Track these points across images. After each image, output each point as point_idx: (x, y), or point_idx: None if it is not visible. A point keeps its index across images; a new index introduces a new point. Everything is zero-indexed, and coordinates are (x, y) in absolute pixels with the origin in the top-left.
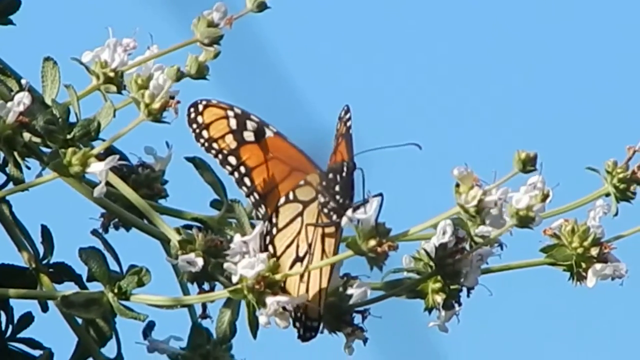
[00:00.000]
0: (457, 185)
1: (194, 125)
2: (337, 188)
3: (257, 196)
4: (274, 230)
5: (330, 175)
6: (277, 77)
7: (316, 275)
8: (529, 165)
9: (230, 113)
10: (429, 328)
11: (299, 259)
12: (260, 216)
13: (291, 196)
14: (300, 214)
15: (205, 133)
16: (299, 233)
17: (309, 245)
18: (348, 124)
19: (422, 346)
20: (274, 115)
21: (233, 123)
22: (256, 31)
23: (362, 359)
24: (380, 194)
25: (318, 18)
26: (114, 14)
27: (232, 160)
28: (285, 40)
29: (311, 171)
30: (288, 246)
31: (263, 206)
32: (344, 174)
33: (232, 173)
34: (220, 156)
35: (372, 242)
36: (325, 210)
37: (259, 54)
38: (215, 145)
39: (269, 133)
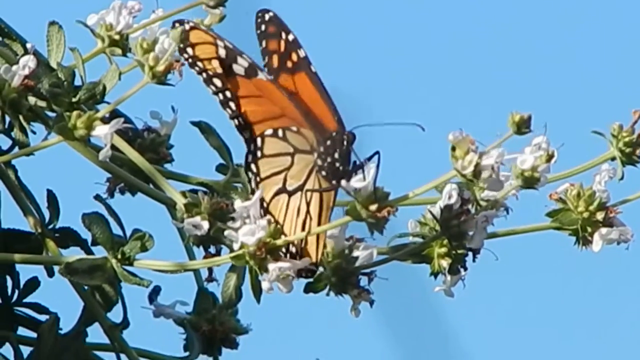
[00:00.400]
0: (454, 149)
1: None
2: (336, 155)
3: (242, 121)
4: (259, 154)
5: (329, 143)
6: None
7: (314, 224)
8: (523, 127)
9: (220, 43)
10: (434, 293)
11: (286, 192)
12: (244, 140)
13: (280, 133)
14: (292, 154)
15: (190, 50)
16: (288, 169)
17: (307, 204)
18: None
19: (426, 311)
20: None
21: (222, 52)
22: None
23: (367, 323)
24: (377, 152)
25: None
26: None
27: (217, 82)
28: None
29: (304, 126)
30: (274, 174)
31: (248, 132)
32: (343, 146)
33: (216, 93)
34: (204, 75)
35: (372, 208)
36: (323, 173)
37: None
38: (199, 63)
39: (261, 76)
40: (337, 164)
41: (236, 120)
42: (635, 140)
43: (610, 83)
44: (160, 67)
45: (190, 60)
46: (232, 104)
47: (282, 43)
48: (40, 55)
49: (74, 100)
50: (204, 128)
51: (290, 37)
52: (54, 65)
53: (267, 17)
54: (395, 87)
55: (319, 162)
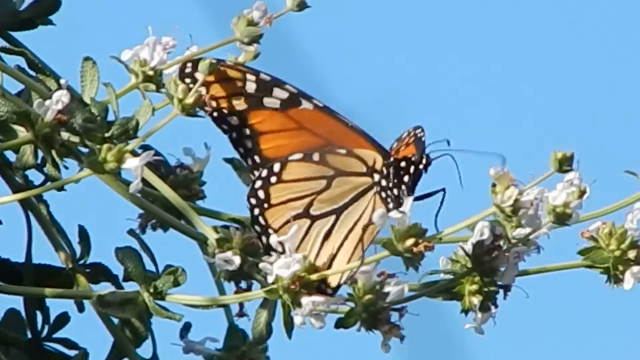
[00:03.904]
0: (494, 185)
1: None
2: (405, 179)
3: (257, 159)
4: (273, 179)
5: (403, 164)
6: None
7: (348, 252)
8: (565, 165)
9: (251, 77)
10: (464, 330)
11: (309, 216)
12: (251, 166)
13: (317, 157)
14: (330, 177)
15: (202, 90)
16: (319, 193)
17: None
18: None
19: (455, 348)
20: None
21: (251, 87)
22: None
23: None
24: (443, 189)
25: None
26: (153, 13)
27: (233, 120)
28: (308, 30)
29: (364, 147)
30: (292, 200)
31: (258, 157)
32: (420, 167)
33: (227, 132)
34: (215, 114)
35: (409, 242)
36: (384, 195)
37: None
38: (213, 102)
39: (306, 105)
40: (404, 187)
41: (250, 160)
42: None
43: None
44: (190, 100)
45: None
46: (247, 142)
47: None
48: (73, 91)
49: (106, 135)
50: (237, 165)
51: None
52: (87, 100)
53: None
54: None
55: (384, 183)
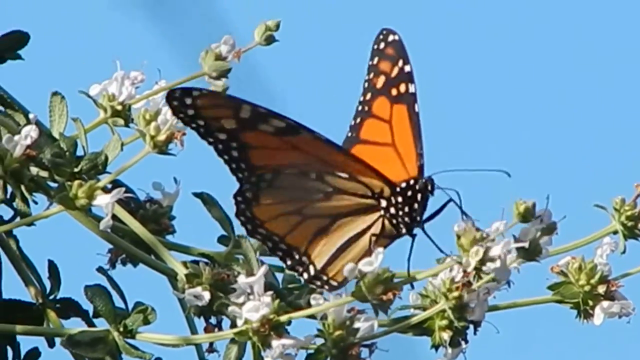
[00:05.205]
0: (459, 238)
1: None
2: (415, 206)
3: (243, 166)
4: (263, 185)
5: (409, 193)
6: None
7: (358, 254)
8: (529, 217)
9: (247, 107)
10: None
11: (300, 214)
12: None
13: (314, 176)
14: (328, 193)
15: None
16: (313, 201)
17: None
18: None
19: None
20: None
21: (246, 114)
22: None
23: None
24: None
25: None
26: (121, 48)
27: (221, 136)
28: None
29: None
30: (282, 202)
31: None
32: (425, 194)
33: (212, 143)
34: (202, 130)
35: (377, 290)
36: (394, 222)
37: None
38: (200, 121)
39: (305, 135)
40: (415, 214)
41: (234, 165)
42: (637, 214)
43: (613, 156)
44: (162, 137)
45: (187, 119)
46: (234, 152)
47: (396, 70)
48: (42, 126)
49: (75, 170)
50: (206, 199)
51: (407, 68)
52: (56, 135)
53: (390, 38)
54: None
55: (393, 210)
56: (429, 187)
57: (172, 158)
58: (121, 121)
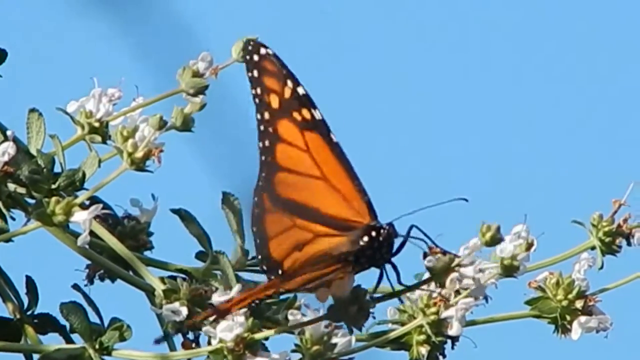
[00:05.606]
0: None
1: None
2: (383, 251)
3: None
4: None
5: (376, 244)
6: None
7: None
8: (495, 242)
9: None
10: None
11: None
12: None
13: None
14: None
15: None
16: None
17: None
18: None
19: None
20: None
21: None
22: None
23: None
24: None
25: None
26: (99, 65)
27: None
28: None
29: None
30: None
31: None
32: (390, 242)
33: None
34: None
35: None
36: (362, 261)
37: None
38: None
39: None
40: (385, 256)
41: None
42: (614, 230)
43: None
44: (139, 154)
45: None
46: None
47: (287, 91)
48: (20, 142)
49: (53, 187)
50: (184, 216)
51: (300, 91)
52: (33, 152)
53: (263, 51)
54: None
55: (360, 256)
56: (392, 234)
57: (149, 175)
58: (98, 138)
